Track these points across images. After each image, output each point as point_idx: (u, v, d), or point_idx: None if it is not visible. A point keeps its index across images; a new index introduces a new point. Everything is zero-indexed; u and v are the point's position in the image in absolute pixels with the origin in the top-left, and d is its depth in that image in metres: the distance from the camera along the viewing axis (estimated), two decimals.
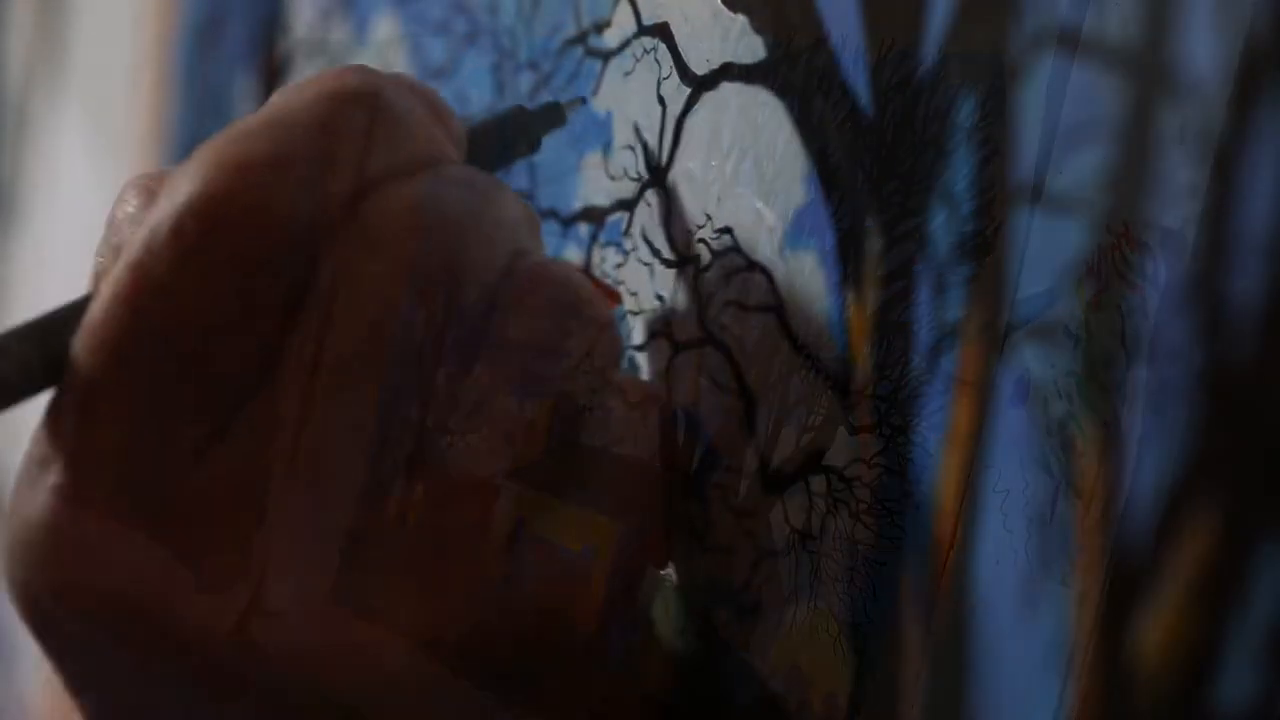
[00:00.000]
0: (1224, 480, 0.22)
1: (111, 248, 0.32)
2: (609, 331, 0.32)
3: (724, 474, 0.34)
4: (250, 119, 0.30)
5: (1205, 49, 0.22)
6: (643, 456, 0.33)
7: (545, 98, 0.38)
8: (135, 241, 0.29)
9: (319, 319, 0.29)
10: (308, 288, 0.29)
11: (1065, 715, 0.24)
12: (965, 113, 0.27)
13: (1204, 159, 0.22)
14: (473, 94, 0.46)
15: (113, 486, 0.29)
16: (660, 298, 0.36)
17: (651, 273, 0.36)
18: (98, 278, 0.33)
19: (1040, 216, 0.25)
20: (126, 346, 0.29)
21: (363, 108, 0.31)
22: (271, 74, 0.66)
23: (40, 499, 0.30)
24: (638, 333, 0.37)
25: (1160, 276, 0.23)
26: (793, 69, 0.32)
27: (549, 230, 0.41)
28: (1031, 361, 0.25)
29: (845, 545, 0.30)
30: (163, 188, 0.31)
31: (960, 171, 0.27)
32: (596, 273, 0.39)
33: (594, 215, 0.39)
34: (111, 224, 0.32)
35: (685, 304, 0.35)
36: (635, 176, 0.37)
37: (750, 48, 0.33)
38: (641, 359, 0.37)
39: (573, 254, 0.40)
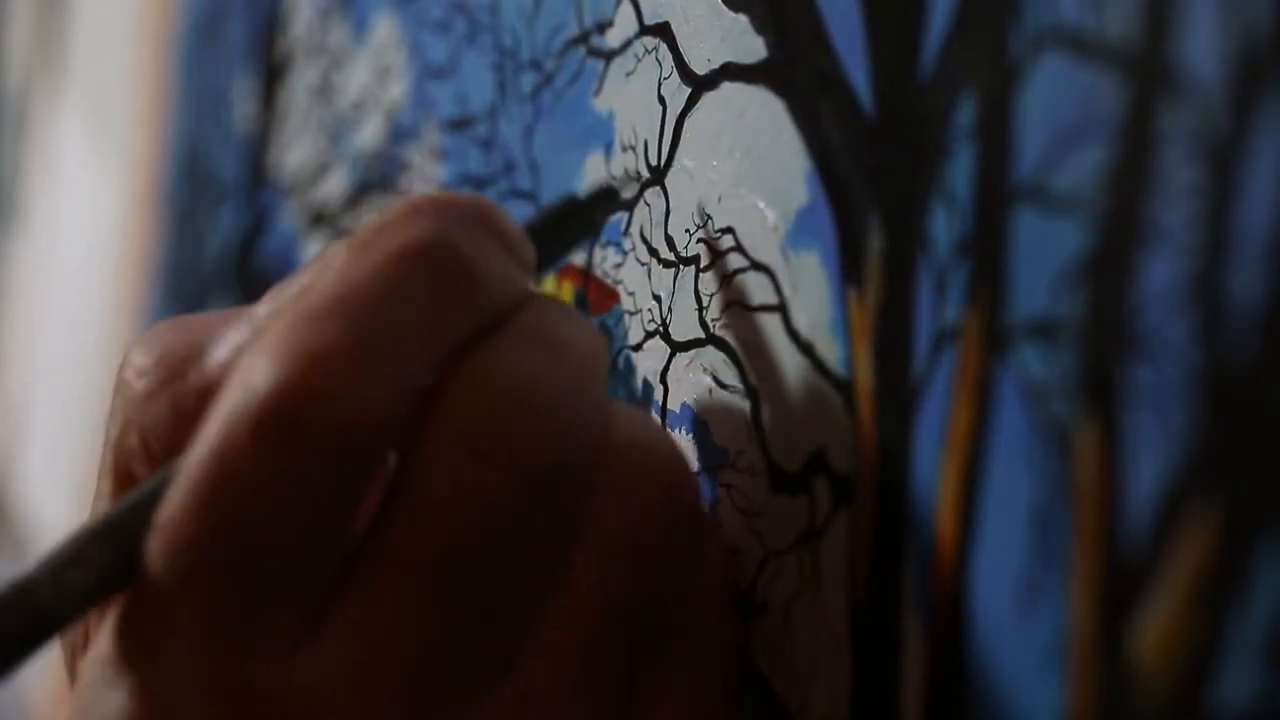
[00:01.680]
0: (1223, 480, 0.22)
1: (133, 425, 0.31)
2: (700, 506, 0.31)
3: (732, 474, 0.34)
4: (318, 292, 0.29)
5: (1205, 48, 0.22)
6: (726, 633, 0.32)
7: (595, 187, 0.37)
8: (210, 434, 0.28)
9: (419, 518, 0.28)
10: (402, 481, 0.28)
11: (1065, 715, 0.24)
12: (965, 112, 0.27)
13: (1204, 158, 0.22)
14: (473, 94, 0.46)
15: (199, 688, 0.28)
16: (658, 297, 0.36)
17: (649, 273, 0.36)
18: (119, 453, 0.31)
19: (1040, 216, 0.25)
20: (205, 548, 0.28)
21: (436, 269, 0.29)
22: (270, 73, 0.66)
23: (122, 702, 0.28)
24: (634, 333, 0.37)
25: (1160, 276, 0.23)
26: (794, 69, 0.32)
27: None
28: (1031, 361, 0.25)
29: (846, 545, 0.30)
30: (186, 363, 0.30)
31: (960, 171, 0.27)
32: (597, 273, 0.39)
33: None
34: (124, 393, 0.31)
35: (685, 304, 0.35)
36: (635, 176, 0.37)
37: (751, 47, 0.33)
38: (638, 358, 0.37)
39: (574, 254, 0.40)
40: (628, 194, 0.37)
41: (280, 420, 0.28)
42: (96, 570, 0.29)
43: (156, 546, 0.28)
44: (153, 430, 0.31)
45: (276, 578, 0.28)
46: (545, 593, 0.29)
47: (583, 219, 0.35)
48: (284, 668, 0.28)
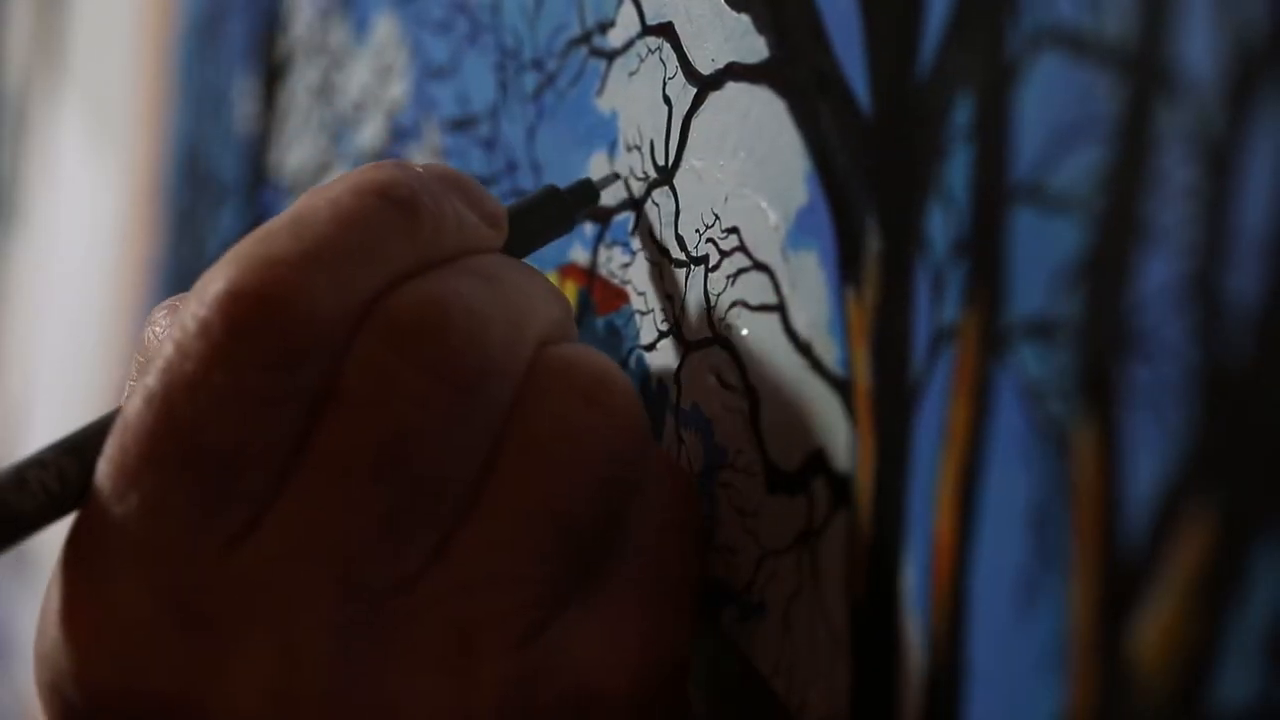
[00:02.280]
0: (1221, 479, 0.22)
1: (140, 368, 0.32)
2: (636, 423, 0.32)
3: (731, 473, 0.34)
4: (278, 216, 0.31)
5: (1202, 48, 0.22)
6: (677, 547, 0.33)
7: (578, 181, 0.38)
8: (164, 342, 0.30)
9: (345, 415, 0.30)
10: (334, 382, 0.30)
11: (1064, 714, 0.24)
12: (963, 112, 0.27)
13: (1201, 158, 0.22)
14: (475, 94, 0.46)
15: (145, 583, 0.29)
16: (669, 297, 0.36)
17: (660, 272, 0.37)
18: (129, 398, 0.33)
19: (1038, 215, 0.25)
20: (155, 443, 0.29)
21: (388, 202, 0.31)
22: (271, 73, 0.66)
23: (69, 599, 0.30)
24: (646, 332, 0.37)
25: (1157, 275, 0.23)
26: (794, 69, 0.32)
27: None
28: (1029, 361, 0.25)
29: (845, 545, 0.30)
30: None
31: (958, 171, 0.27)
32: (603, 272, 0.39)
33: (600, 215, 0.39)
34: (141, 347, 0.33)
35: (695, 303, 0.35)
36: (642, 176, 0.37)
37: (754, 47, 0.33)
38: (651, 358, 0.37)
39: (579, 254, 0.40)
40: (604, 190, 0.37)
41: (225, 323, 0.29)
42: (58, 476, 0.30)
43: (109, 448, 0.30)
44: None
45: (219, 474, 0.29)
46: (472, 489, 0.30)
47: (560, 210, 0.36)
48: (223, 563, 0.29)
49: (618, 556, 0.32)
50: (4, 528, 0.30)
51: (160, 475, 0.29)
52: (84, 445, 0.30)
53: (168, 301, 0.33)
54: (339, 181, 0.31)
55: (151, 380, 0.29)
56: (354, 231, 0.30)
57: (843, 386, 0.30)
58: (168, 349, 0.29)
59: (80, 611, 0.30)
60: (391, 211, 0.31)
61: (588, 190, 0.37)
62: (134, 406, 0.29)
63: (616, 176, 0.38)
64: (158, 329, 0.32)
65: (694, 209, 0.35)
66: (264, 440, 0.29)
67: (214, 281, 0.30)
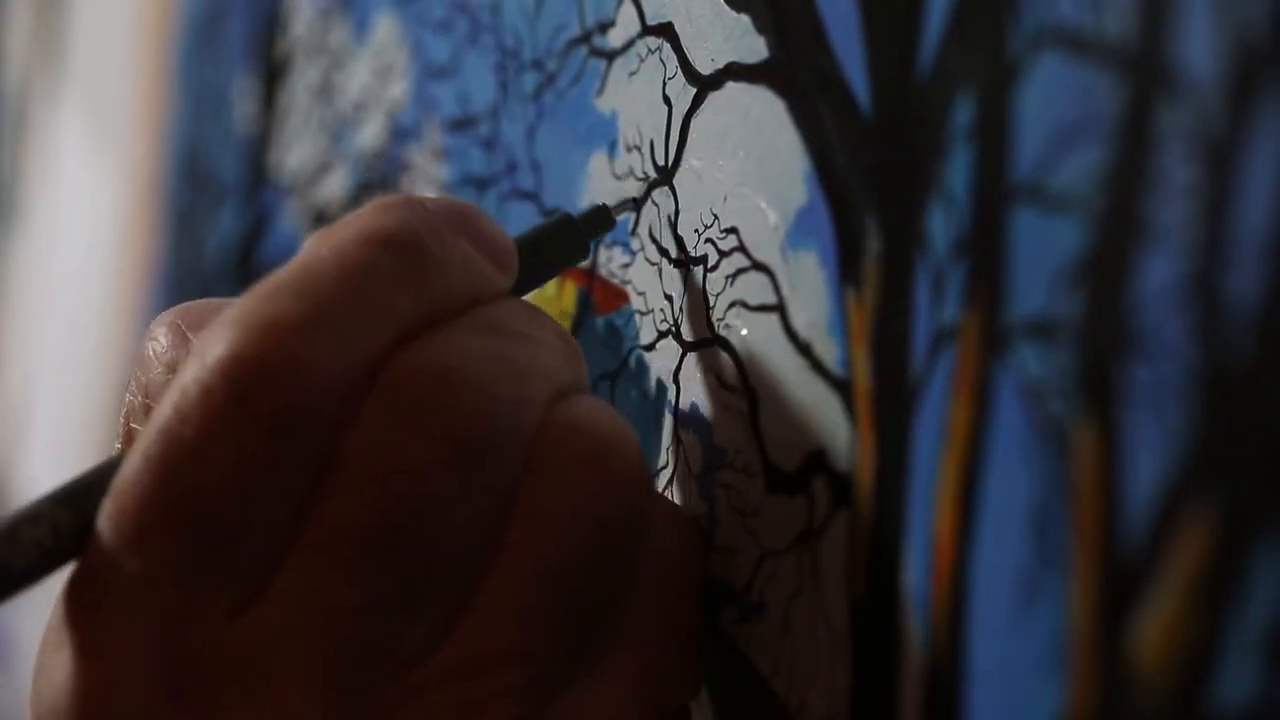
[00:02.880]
0: (1222, 479, 0.22)
1: (140, 385, 0.32)
2: (641, 484, 0.31)
3: (730, 473, 0.34)
4: (283, 271, 0.30)
5: (1203, 47, 0.22)
6: (684, 600, 0.33)
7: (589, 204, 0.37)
8: (165, 403, 0.29)
9: (347, 487, 0.29)
10: (338, 449, 0.29)
11: (1063, 714, 0.24)
12: (963, 111, 0.27)
13: (1201, 157, 0.22)
14: (475, 94, 0.46)
15: (142, 652, 0.29)
16: (669, 297, 0.36)
17: (660, 272, 0.37)
18: (128, 415, 0.32)
19: (1038, 215, 0.25)
20: (153, 511, 0.29)
21: (394, 253, 0.30)
22: (271, 73, 0.66)
23: (66, 661, 0.29)
24: (646, 332, 0.37)
25: (1158, 275, 0.23)
26: (794, 69, 0.32)
27: None
28: (1029, 361, 0.25)
29: (845, 545, 0.30)
30: (194, 329, 0.31)
31: (958, 170, 0.27)
32: (603, 272, 0.39)
33: None
34: (140, 360, 0.32)
35: (695, 304, 0.35)
36: (642, 176, 0.37)
37: (753, 47, 0.33)
38: (651, 358, 0.37)
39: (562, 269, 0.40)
40: (619, 217, 0.37)
41: (227, 389, 0.28)
42: (52, 530, 0.29)
43: (107, 510, 0.29)
44: (154, 389, 0.32)
45: (219, 543, 0.29)
46: (478, 565, 0.30)
47: (573, 236, 0.36)
48: (222, 631, 0.29)
49: (624, 613, 0.31)
50: None
51: (159, 543, 0.29)
52: (78, 497, 0.30)
53: (167, 317, 0.32)
54: (347, 225, 0.30)
55: (152, 443, 0.29)
56: (360, 288, 0.29)
57: (843, 387, 0.30)
58: (167, 411, 0.29)
59: (80, 681, 0.29)
60: (398, 263, 0.30)
61: (603, 217, 0.36)
62: (134, 468, 0.29)
63: (633, 202, 0.37)
64: (158, 345, 0.32)
65: (693, 209, 0.35)
66: (265, 509, 0.29)
67: (216, 344, 0.29)
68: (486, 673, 0.30)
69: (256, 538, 0.29)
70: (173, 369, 0.32)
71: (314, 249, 0.30)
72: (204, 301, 0.33)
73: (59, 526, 0.29)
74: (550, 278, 0.36)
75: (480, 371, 0.30)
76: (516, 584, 0.30)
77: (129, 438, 0.33)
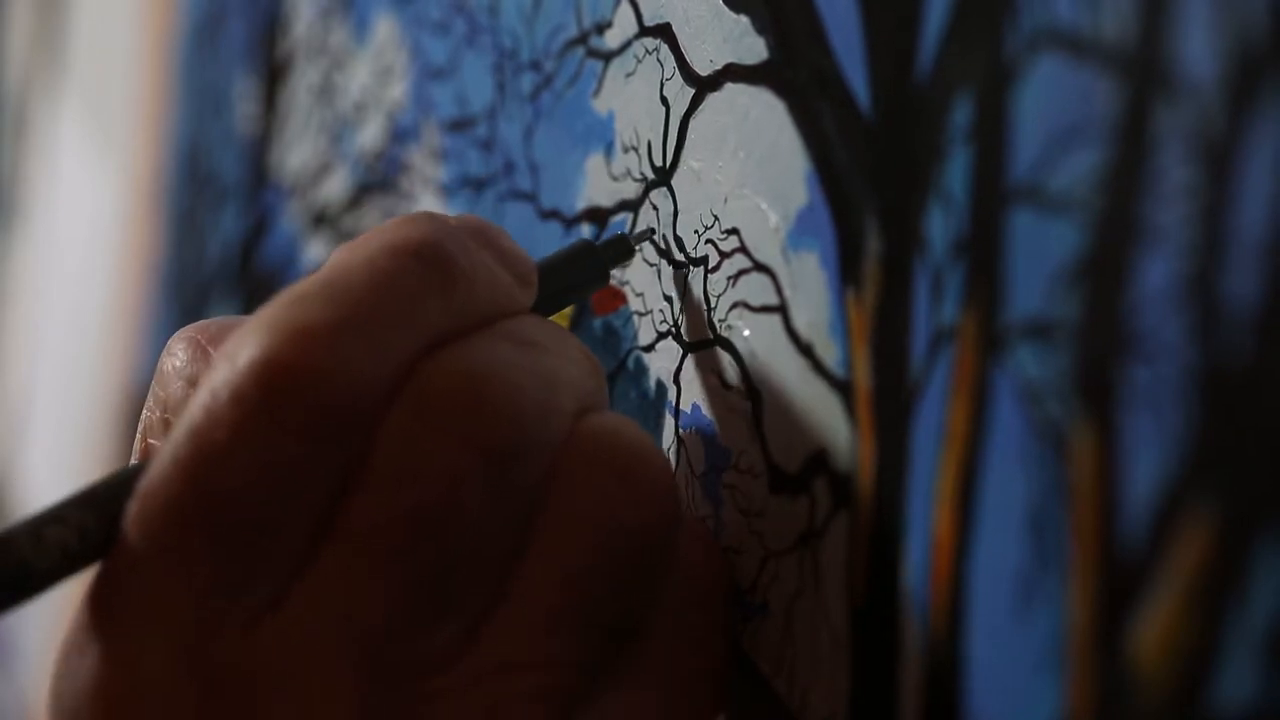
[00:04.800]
0: (1220, 480, 0.22)
1: (159, 400, 0.32)
2: (671, 500, 0.31)
3: (734, 474, 0.34)
4: (310, 279, 0.30)
5: (1201, 48, 0.22)
6: (707, 621, 0.32)
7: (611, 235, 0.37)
8: (194, 406, 0.29)
9: (376, 490, 0.29)
10: (367, 452, 0.29)
11: (1063, 715, 0.24)
12: (962, 113, 0.27)
13: (1200, 159, 0.22)
14: (473, 95, 0.46)
15: (170, 658, 0.29)
16: (668, 298, 0.36)
17: (659, 273, 0.37)
18: (145, 430, 0.32)
19: (1036, 216, 0.25)
20: (183, 513, 0.29)
21: (422, 263, 0.30)
22: (271, 74, 0.66)
23: (90, 667, 0.29)
24: (644, 333, 0.37)
25: (1156, 276, 0.23)
26: (794, 70, 0.32)
27: (552, 231, 0.41)
28: (1027, 361, 0.25)
29: (846, 545, 0.30)
30: (213, 343, 0.31)
31: (957, 171, 0.27)
32: None
33: (597, 216, 0.39)
34: (159, 376, 0.32)
35: (695, 305, 0.35)
36: (639, 177, 0.37)
37: (753, 48, 0.33)
38: (650, 359, 0.37)
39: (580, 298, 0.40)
40: (639, 246, 0.37)
41: (259, 393, 0.28)
42: (77, 531, 0.29)
43: (134, 513, 0.29)
44: (173, 404, 0.32)
45: (247, 548, 0.29)
46: (504, 570, 0.30)
47: (593, 262, 0.36)
48: (249, 637, 0.29)
49: (649, 627, 0.31)
50: (21, 585, 0.29)
51: (187, 545, 0.29)
52: (103, 500, 0.30)
53: (186, 332, 0.32)
54: (373, 237, 0.31)
55: (181, 445, 0.29)
56: (389, 295, 0.30)
57: (843, 387, 0.30)
58: (197, 414, 0.29)
59: (106, 687, 0.29)
60: (427, 272, 0.30)
61: (622, 245, 0.36)
62: (161, 470, 0.29)
63: (652, 231, 0.37)
64: (177, 360, 0.32)
65: (693, 210, 0.35)
66: (295, 513, 0.29)
67: (247, 347, 0.29)
68: (512, 678, 0.30)
69: (286, 542, 0.29)
70: (192, 384, 0.32)
71: (342, 258, 0.30)
72: (222, 318, 0.33)
73: (85, 528, 0.29)
74: (568, 304, 0.36)
75: (509, 378, 0.30)
76: (543, 590, 0.30)
77: (146, 453, 0.33)
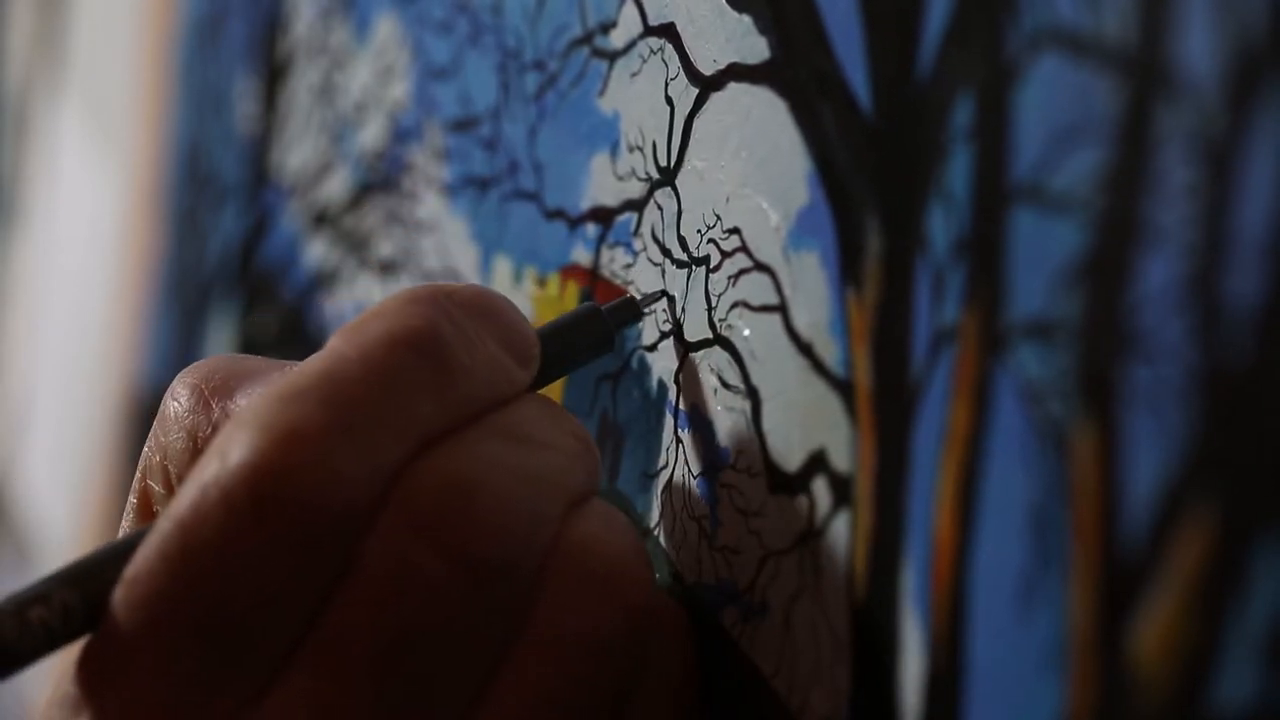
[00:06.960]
0: (1221, 480, 0.22)
1: (159, 446, 0.32)
2: (649, 608, 0.31)
3: (732, 474, 0.34)
4: (307, 370, 0.30)
5: (1202, 48, 0.22)
6: (679, 707, 0.33)
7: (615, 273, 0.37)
8: (184, 499, 0.29)
9: (360, 598, 0.29)
10: (354, 556, 0.29)
11: (1063, 715, 0.24)
12: (963, 112, 0.27)
13: (1201, 158, 0.22)
14: (477, 94, 0.46)
15: None
16: (671, 297, 0.36)
17: (662, 273, 0.37)
18: (145, 471, 0.32)
19: (1038, 216, 0.25)
20: (169, 606, 0.29)
21: (421, 357, 0.30)
22: (272, 74, 0.66)
23: None
24: (648, 333, 0.37)
25: (1157, 276, 0.23)
26: (795, 70, 0.32)
27: (557, 231, 0.41)
28: (1029, 361, 0.25)
29: (846, 545, 0.30)
30: (216, 394, 0.31)
31: (958, 171, 0.27)
32: (606, 273, 0.39)
33: (602, 215, 0.39)
34: (160, 419, 0.32)
35: (697, 304, 0.35)
36: (644, 177, 0.37)
37: (755, 48, 0.33)
38: (653, 358, 0.37)
39: (581, 254, 0.40)
40: (647, 310, 0.36)
41: (248, 498, 0.28)
42: (62, 612, 0.30)
43: (122, 598, 0.29)
44: (172, 453, 0.33)
45: (232, 645, 0.29)
46: (484, 684, 0.30)
47: (600, 326, 0.35)
48: None
49: None
50: (3, 665, 0.29)
51: (172, 638, 0.29)
52: (88, 580, 0.30)
53: (190, 377, 0.32)
54: (374, 323, 0.30)
55: (169, 539, 0.29)
56: (384, 394, 0.30)
57: (844, 387, 0.30)
58: (186, 509, 0.29)
59: None
60: (423, 367, 0.30)
61: (630, 309, 0.36)
62: (148, 561, 0.29)
63: (663, 294, 0.36)
64: (179, 406, 0.32)
65: (695, 210, 0.35)
66: (278, 616, 0.29)
67: (238, 446, 0.29)
68: None
69: (268, 644, 0.29)
70: (193, 436, 0.32)
71: (339, 348, 0.30)
72: (228, 361, 0.33)
73: (69, 609, 0.30)
74: (574, 369, 0.36)
75: (498, 485, 0.30)
76: (518, 707, 0.30)
77: (144, 495, 0.33)
